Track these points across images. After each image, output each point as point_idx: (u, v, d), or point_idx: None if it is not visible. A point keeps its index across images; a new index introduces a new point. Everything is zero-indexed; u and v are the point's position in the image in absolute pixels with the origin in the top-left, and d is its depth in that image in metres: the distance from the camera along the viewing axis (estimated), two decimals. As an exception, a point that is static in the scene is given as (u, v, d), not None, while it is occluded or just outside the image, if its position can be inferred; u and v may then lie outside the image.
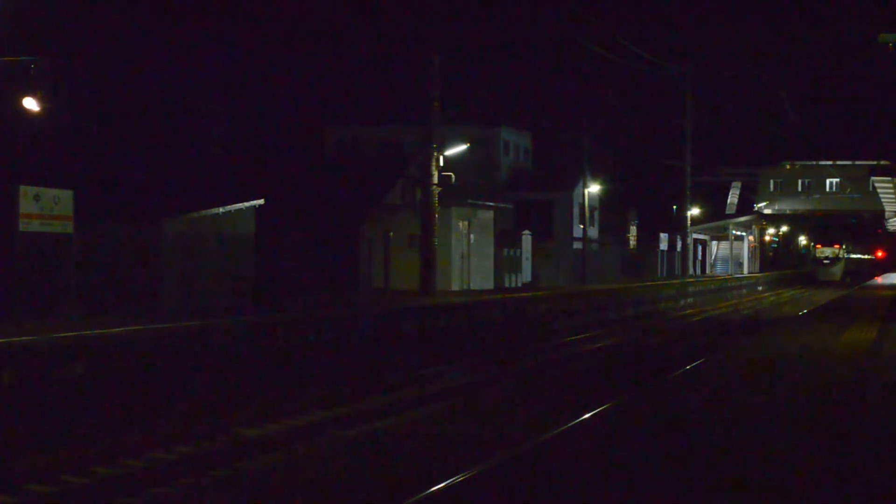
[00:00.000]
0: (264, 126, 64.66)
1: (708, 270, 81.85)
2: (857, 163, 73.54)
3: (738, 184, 79.51)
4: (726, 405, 13.49)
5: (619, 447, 10.97)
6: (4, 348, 14.66)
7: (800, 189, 77.43)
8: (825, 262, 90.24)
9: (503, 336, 28.76)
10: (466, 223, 38.52)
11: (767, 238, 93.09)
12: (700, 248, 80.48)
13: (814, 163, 77.37)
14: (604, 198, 57.86)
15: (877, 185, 60.51)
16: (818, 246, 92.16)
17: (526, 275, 46.25)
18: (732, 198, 79.35)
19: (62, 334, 16.12)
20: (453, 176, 31.12)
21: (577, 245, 54.43)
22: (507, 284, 42.61)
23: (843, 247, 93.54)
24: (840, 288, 76.67)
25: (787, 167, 77.83)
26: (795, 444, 10.89)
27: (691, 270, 66.75)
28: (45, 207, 20.62)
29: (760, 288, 72.90)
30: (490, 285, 39.92)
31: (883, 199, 65.81)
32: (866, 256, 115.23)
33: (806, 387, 14.98)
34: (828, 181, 76.83)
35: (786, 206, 78.35)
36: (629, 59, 48.69)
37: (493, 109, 61.38)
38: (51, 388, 14.91)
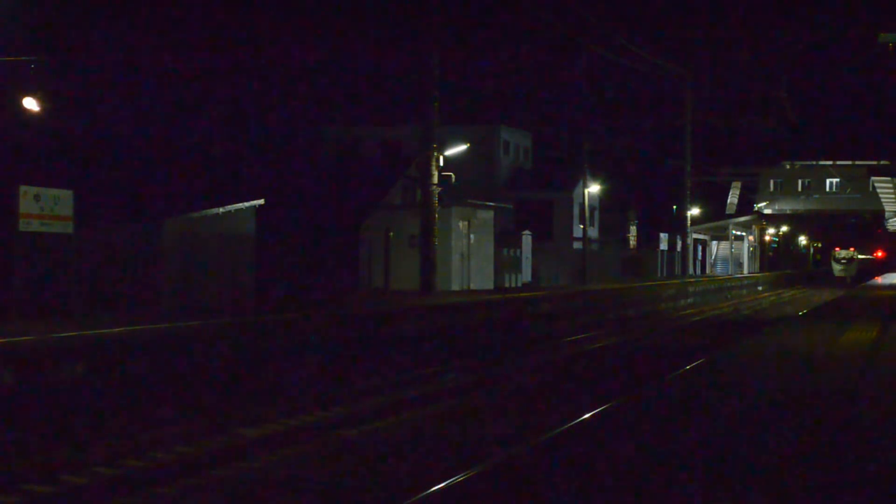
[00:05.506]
0: (264, 126, 64.67)
1: (708, 270, 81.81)
2: (857, 163, 73.50)
3: (738, 184, 79.48)
4: (726, 405, 13.48)
5: (619, 448, 10.95)
6: (5, 348, 14.66)
7: (800, 189, 77.41)
8: (843, 261, 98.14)
9: (503, 336, 28.75)
10: (466, 223, 38.49)
11: (767, 238, 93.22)
12: (700, 248, 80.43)
13: (814, 163, 77.34)
14: (604, 198, 57.86)
15: (877, 185, 60.49)
16: (836, 249, 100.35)
17: (526, 275, 46.24)
18: (732, 198, 79.31)
19: (62, 334, 16.11)
20: (453, 176, 31.09)
21: (577, 245, 54.42)
22: (507, 284, 42.59)
23: (856, 249, 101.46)
24: (840, 288, 76.80)
25: (787, 167, 77.80)
26: (794, 447, 10.88)
27: (691, 270, 66.71)
28: (45, 207, 20.60)
29: (760, 288, 72.89)
30: (490, 285, 39.90)
31: (883, 199, 65.78)
32: (867, 256, 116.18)
33: (806, 387, 14.97)
34: (828, 181, 76.80)
35: (786, 206, 78.32)
36: (629, 59, 48.71)
37: (493, 109, 61.42)
38: (51, 388, 14.90)
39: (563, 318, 34.00)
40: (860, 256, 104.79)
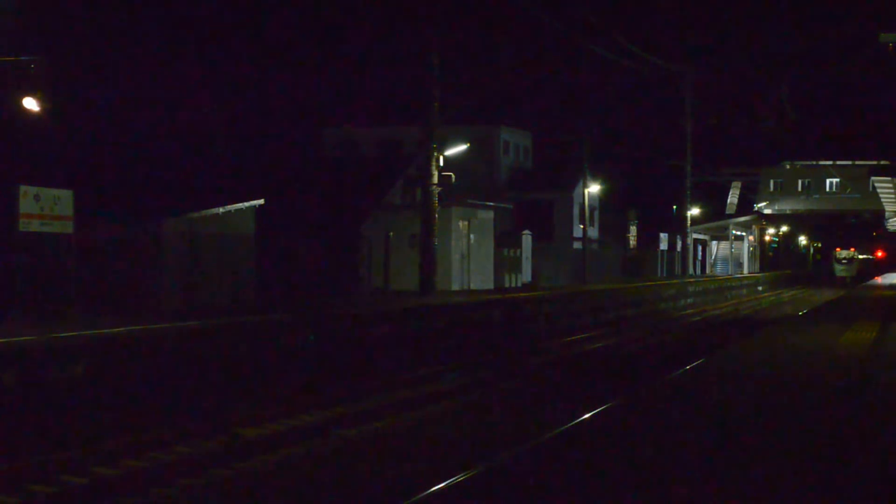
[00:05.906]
0: (264, 126, 64.65)
1: (708, 270, 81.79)
2: (857, 163, 73.39)
3: (738, 184, 79.43)
4: (726, 405, 13.48)
5: (618, 448, 10.95)
6: (4, 348, 14.66)
7: (800, 189, 77.35)
8: (843, 261, 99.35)
9: (502, 336, 28.75)
10: (466, 223, 38.50)
11: (767, 238, 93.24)
12: (700, 248, 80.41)
13: (814, 163, 77.25)
14: (604, 198, 57.81)
15: (877, 185, 60.39)
16: (837, 249, 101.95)
17: (526, 275, 46.23)
18: (732, 198, 79.27)
19: (62, 334, 16.12)
20: (453, 176, 31.09)
21: (577, 245, 54.42)
22: (507, 284, 42.58)
23: (856, 249, 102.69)
24: (840, 288, 76.83)
25: (787, 167, 77.75)
26: (794, 447, 10.89)
27: (691, 270, 66.70)
28: (45, 207, 20.61)
29: (760, 288, 72.88)
30: (490, 285, 39.90)
31: (883, 199, 65.69)
32: (868, 256, 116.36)
33: (806, 387, 14.97)
34: (828, 181, 76.74)
35: (786, 206, 78.27)
36: (629, 58, 48.69)
37: (493, 109, 61.33)
38: (51, 388, 14.90)
39: (563, 318, 34.00)
40: (860, 256, 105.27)
